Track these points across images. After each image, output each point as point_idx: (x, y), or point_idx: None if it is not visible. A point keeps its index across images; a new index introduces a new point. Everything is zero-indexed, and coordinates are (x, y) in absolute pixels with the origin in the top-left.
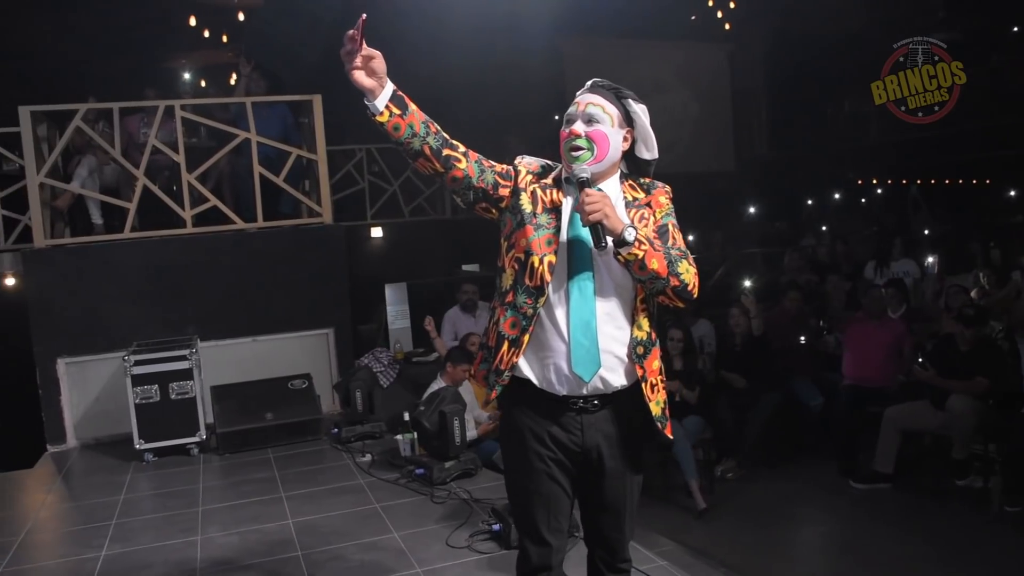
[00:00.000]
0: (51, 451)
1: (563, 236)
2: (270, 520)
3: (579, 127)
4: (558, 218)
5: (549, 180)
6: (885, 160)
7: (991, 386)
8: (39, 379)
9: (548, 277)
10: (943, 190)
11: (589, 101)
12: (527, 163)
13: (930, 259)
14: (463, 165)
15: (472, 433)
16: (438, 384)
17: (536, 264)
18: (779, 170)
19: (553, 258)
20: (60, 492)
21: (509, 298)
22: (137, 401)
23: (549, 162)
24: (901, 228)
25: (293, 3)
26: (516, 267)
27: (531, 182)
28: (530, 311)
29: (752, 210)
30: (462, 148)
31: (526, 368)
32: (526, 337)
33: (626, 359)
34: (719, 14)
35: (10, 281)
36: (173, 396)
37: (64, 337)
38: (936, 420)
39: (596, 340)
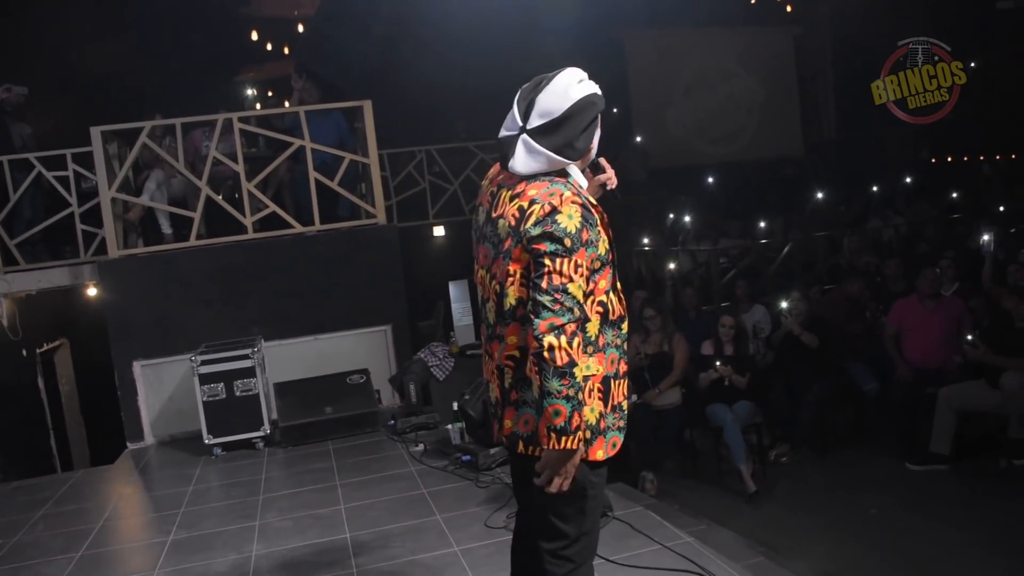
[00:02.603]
0: (130, 448)
1: None
2: (324, 506)
3: None
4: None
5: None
6: (960, 137)
7: None
8: (117, 381)
9: (623, 304)
10: (1018, 165)
11: None
12: (588, 193)
13: (986, 236)
14: (609, 300)
15: None
16: None
17: (615, 299)
18: (849, 153)
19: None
20: (136, 484)
21: (600, 343)
22: (205, 399)
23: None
24: (973, 205)
25: (344, 13)
26: (600, 311)
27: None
28: (620, 340)
29: (820, 195)
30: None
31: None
32: (623, 364)
33: None
34: None
35: (91, 291)
36: (238, 393)
37: (139, 341)
38: (992, 399)
39: None
